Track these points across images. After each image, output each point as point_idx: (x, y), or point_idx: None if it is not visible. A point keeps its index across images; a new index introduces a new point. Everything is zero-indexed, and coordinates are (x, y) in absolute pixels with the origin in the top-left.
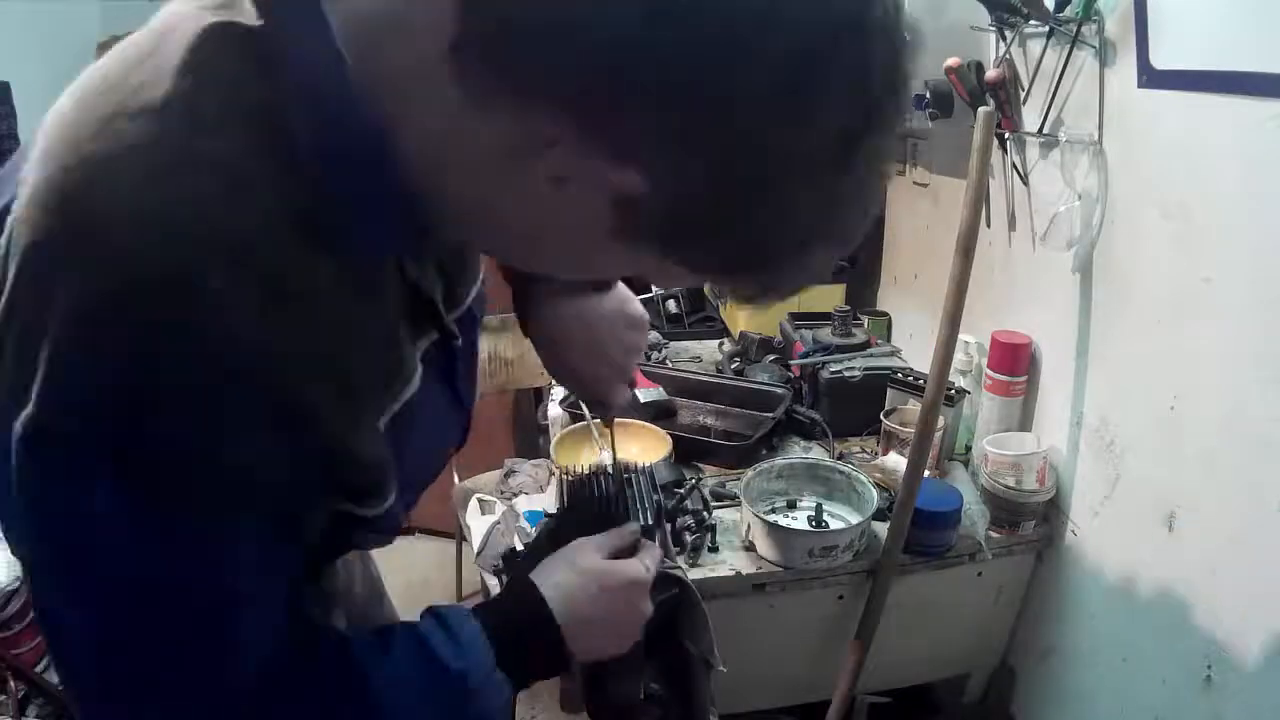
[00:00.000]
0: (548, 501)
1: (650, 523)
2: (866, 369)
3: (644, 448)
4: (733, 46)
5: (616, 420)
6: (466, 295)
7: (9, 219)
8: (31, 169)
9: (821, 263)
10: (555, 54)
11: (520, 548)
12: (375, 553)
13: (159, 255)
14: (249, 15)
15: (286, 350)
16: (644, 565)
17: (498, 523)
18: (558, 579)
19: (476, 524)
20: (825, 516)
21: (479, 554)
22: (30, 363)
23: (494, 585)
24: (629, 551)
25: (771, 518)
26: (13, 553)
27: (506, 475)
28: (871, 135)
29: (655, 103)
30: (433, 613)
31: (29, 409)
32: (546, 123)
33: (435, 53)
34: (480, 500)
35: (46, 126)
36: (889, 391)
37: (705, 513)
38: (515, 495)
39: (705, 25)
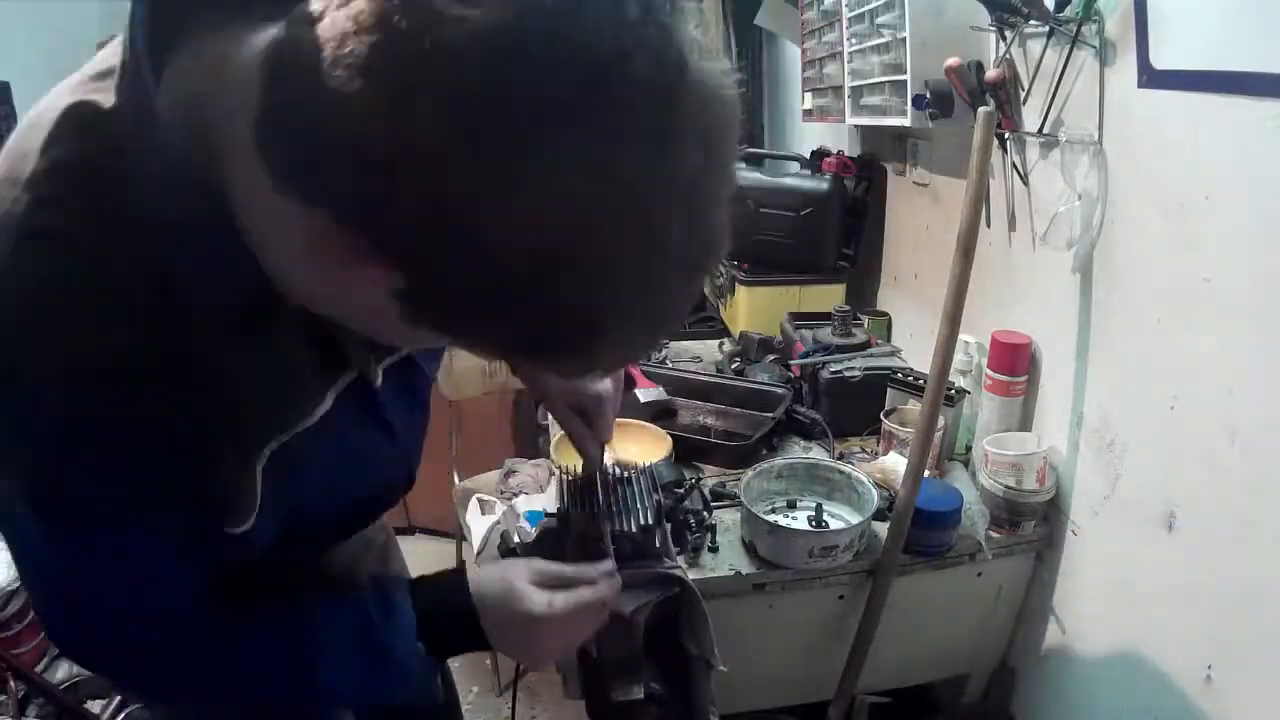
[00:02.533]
0: (548, 501)
1: (650, 523)
2: (866, 369)
3: (644, 448)
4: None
5: (619, 420)
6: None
7: None
8: None
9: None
10: (330, 165)
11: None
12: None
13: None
14: (110, 93)
15: (130, 402)
16: (552, 600)
17: (498, 522)
18: (485, 584)
19: (476, 524)
20: (825, 516)
21: (479, 554)
22: None
23: None
24: (568, 583)
25: (771, 518)
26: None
27: (506, 475)
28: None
29: (412, 218)
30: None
31: None
32: (324, 218)
33: (246, 132)
34: (480, 500)
35: None
36: (889, 391)
37: (705, 513)
38: (515, 495)
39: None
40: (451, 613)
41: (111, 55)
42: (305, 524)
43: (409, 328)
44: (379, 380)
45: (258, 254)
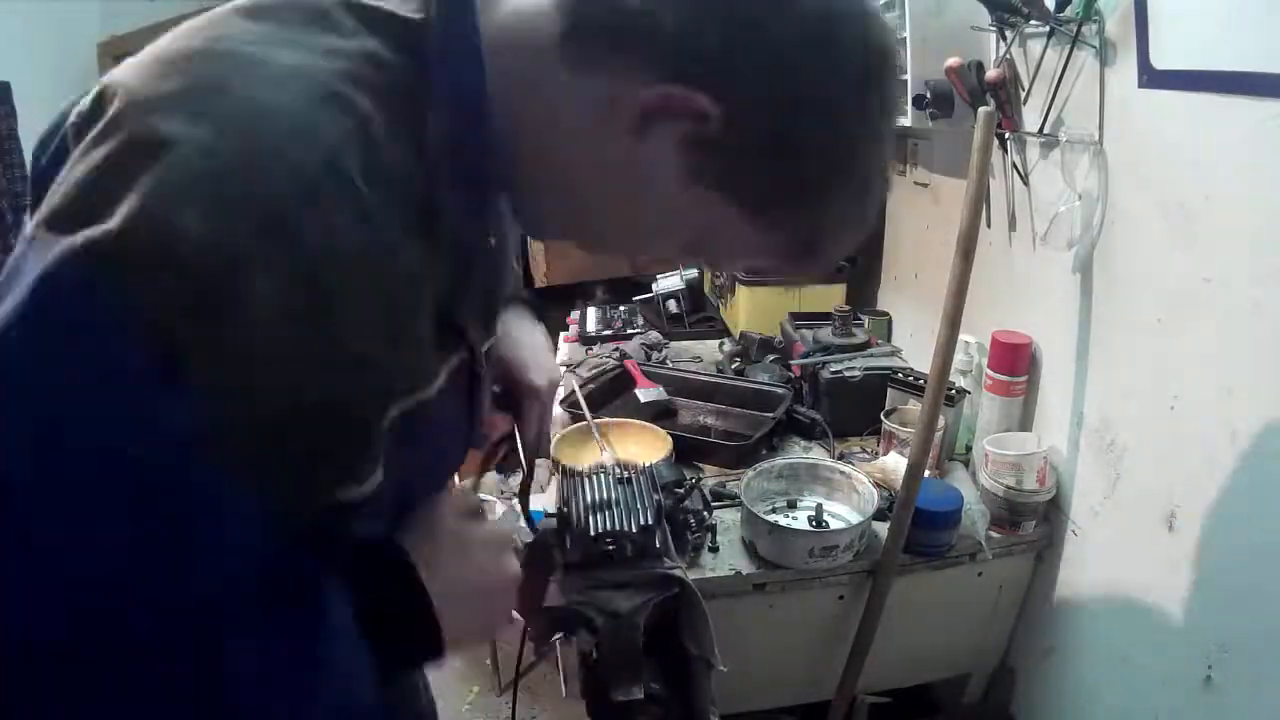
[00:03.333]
0: (548, 501)
1: (650, 523)
2: (867, 369)
3: (644, 448)
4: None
5: (619, 420)
6: (494, 333)
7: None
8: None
9: (845, 222)
10: (650, 31)
11: (520, 547)
12: None
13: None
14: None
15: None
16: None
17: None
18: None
19: None
20: (825, 516)
21: None
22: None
23: None
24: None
25: (771, 518)
26: None
27: (507, 475)
28: (875, 88)
29: (724, 58)
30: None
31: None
32: (642, 73)
33: (548, 41)
34: (480, 500)
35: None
36: (889, 391)
37: (705, 513)
38: (515, 495)
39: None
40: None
41: None
42: (403, 498)
43: (680, 189)
44: (485, 366)
45: (526, 149)
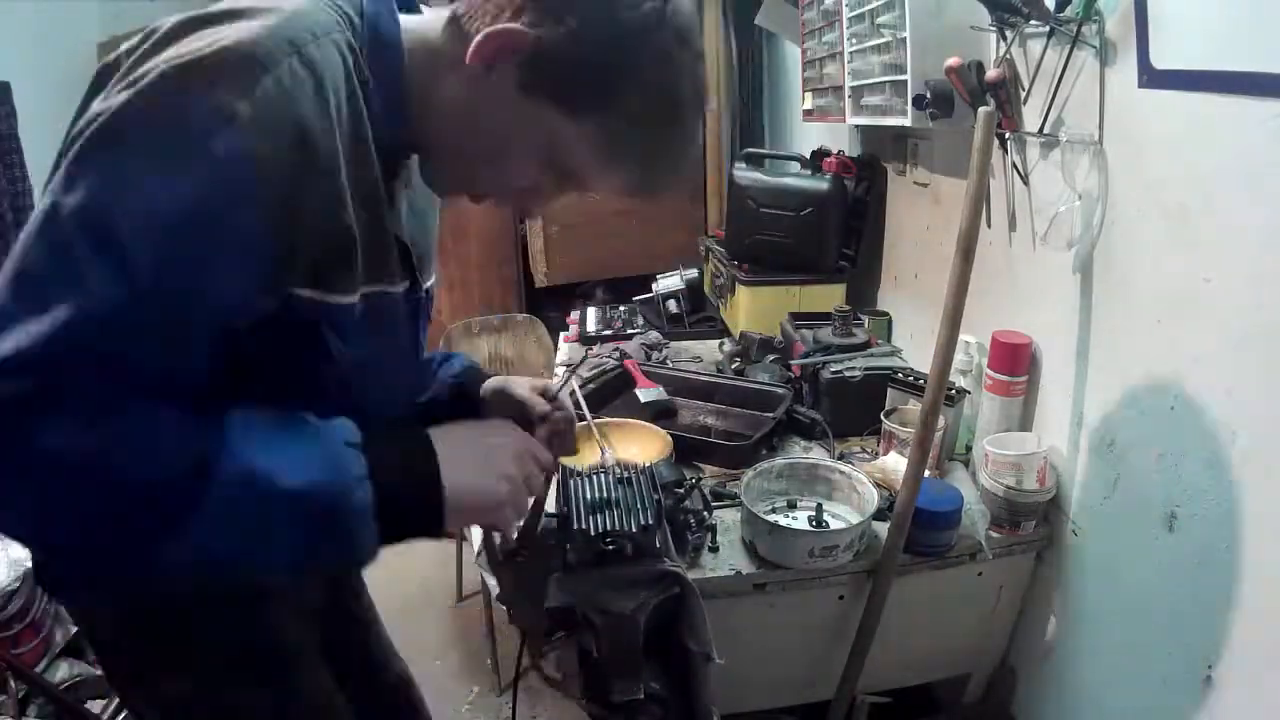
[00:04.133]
0: (548, 501)
1: (650, 523)
2: (867, 369)
3: (644, 448)
4: None
5: (619, 420)
6: (428, 280)
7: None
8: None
9: (653, 121)
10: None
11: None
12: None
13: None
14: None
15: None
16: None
17: None
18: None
19: None
20: (825, 516)
21: (479, 554)
22: None
23: (494, 585)
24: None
25: (772, 518)
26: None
27: None
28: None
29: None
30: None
31: None
32: (479, 23)
33: (437, 27)
34: None
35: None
36: (889, 391)
37: (705, 513)
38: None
39: None
40: (396, 432)
41: None
42: (363, 383)
43: (522, 100)
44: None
45: (417, 87)
